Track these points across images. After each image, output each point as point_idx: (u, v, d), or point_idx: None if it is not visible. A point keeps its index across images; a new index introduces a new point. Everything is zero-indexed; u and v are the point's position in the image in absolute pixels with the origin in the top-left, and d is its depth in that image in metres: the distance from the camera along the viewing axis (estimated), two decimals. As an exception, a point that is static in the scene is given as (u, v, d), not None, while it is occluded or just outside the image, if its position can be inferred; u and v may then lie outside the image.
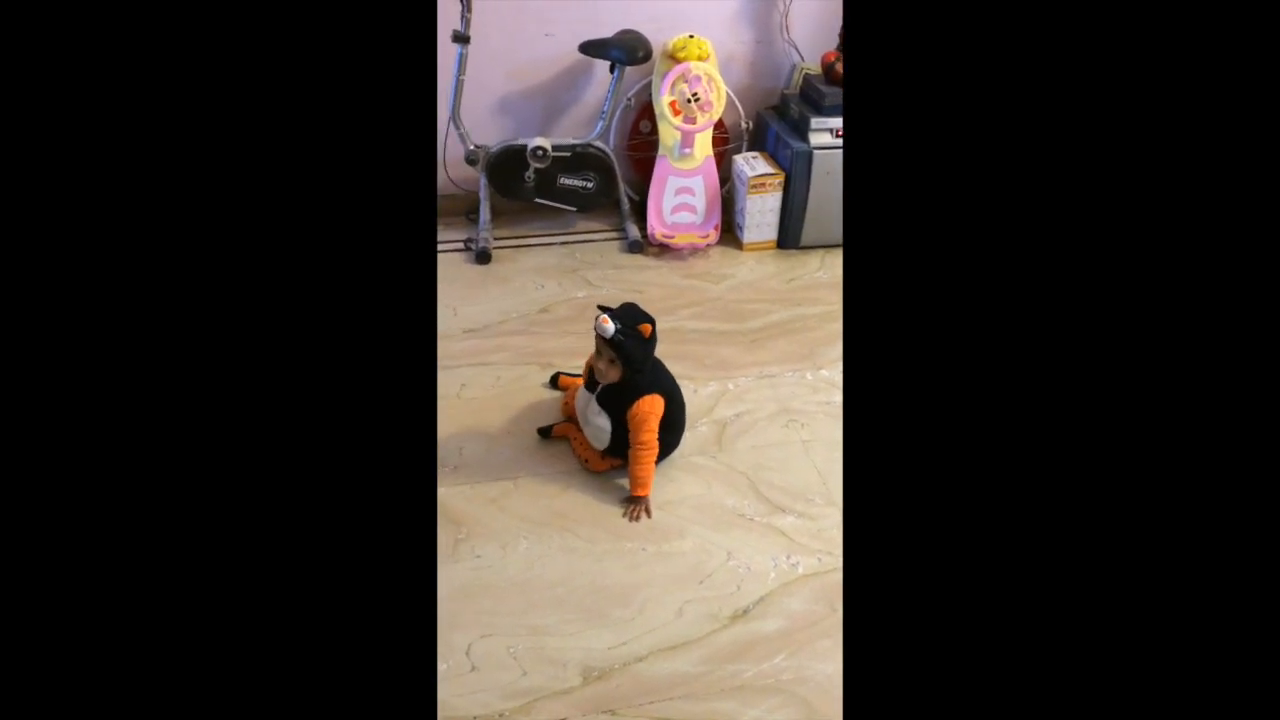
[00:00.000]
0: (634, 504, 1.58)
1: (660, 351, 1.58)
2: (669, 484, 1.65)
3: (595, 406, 1.58)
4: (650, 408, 1.54)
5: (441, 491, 1.62)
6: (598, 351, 1.53)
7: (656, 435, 1.56)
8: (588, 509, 1.59)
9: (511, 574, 1.46)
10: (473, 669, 1.31)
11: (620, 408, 1.55)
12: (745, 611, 1.42)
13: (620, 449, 1.60)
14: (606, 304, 1.54)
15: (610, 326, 1.46)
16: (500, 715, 1.25)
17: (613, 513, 1.59)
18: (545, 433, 1.74)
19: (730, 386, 1.91)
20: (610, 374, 1.52)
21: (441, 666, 1.31)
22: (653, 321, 1.53)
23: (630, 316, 1.51)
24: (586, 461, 1.66)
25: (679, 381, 1.66)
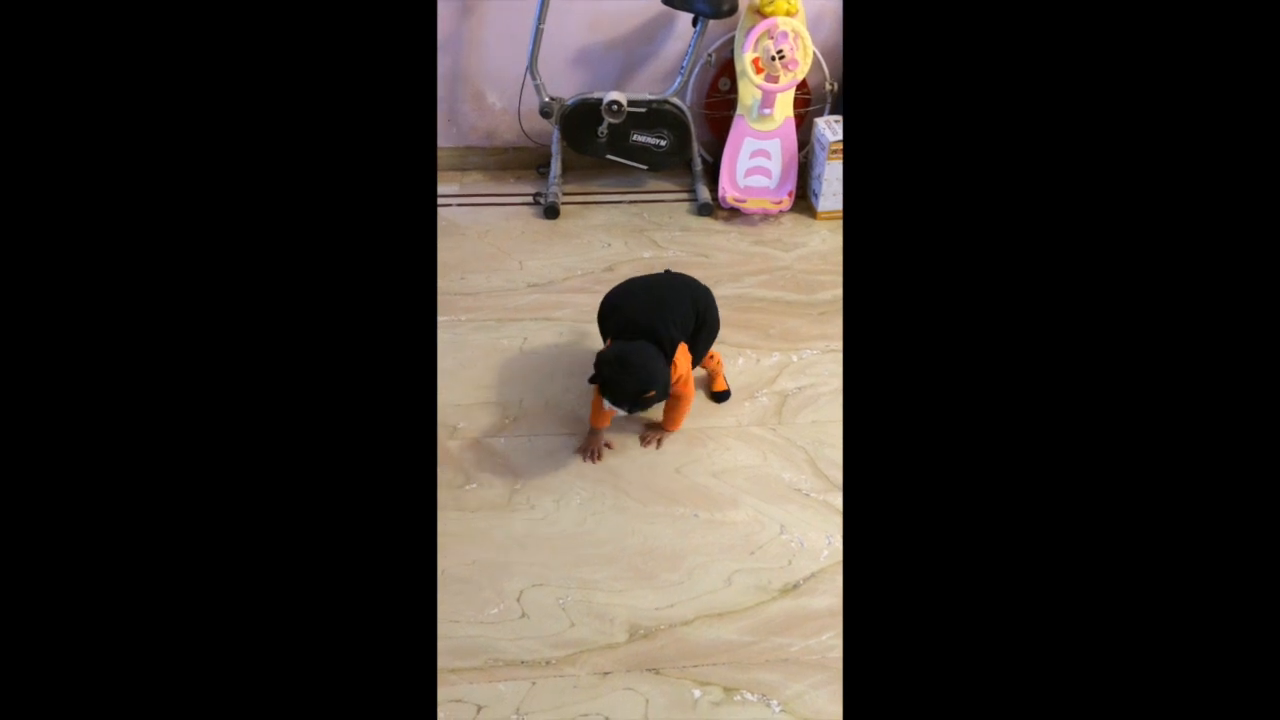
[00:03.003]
0: (656, 431, 1.64)
1: (725, 319, 1.54)
2: (724, 453, 1.64)
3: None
4: (683, 365, 1.55)
5: (500, 442, 1.65)
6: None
7: (693, 383, 1.60)
8: (642, 471, 1.60)
9: (564, 527, 1.49)
10: (523, 615, 1.35)
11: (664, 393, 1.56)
12: (795, 586, 1.41)
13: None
14: (594, 369, 1.48)
15: (622, 411, 1.49)
16: (547, 663, 1.29)
17: (666, 476, 1.59)
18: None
19: (794, 359, 1.87)
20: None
21: (493, 611, 1.35)
22: (656, 383, 1.45)
23: (632, 390, 1.44)
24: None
25: (743, 351, 1.63)
